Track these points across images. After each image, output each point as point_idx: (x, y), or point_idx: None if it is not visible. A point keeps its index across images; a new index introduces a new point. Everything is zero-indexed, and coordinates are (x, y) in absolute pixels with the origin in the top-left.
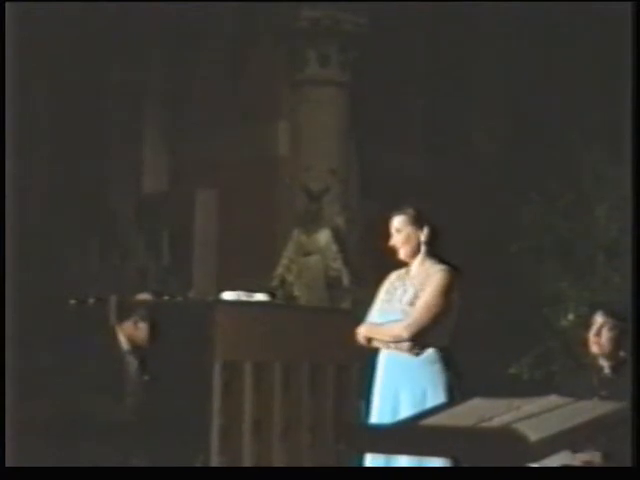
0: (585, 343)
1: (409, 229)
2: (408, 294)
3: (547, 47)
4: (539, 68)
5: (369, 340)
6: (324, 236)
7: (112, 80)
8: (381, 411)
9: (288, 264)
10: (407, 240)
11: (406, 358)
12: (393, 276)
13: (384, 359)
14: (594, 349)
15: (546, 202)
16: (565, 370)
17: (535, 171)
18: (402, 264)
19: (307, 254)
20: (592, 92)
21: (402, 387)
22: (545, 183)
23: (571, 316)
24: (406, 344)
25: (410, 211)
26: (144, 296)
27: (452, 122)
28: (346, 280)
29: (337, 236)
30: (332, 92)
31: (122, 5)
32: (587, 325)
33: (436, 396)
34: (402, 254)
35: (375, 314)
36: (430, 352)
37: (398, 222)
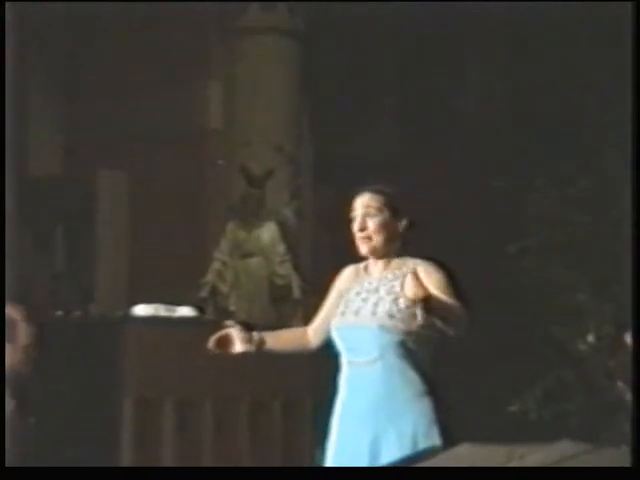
0: (610, 373)
1: (386, 214)
2: (385, 302)
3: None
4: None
5: (424, 302)
6: (268, 232)
7: None
8: (352, 455)
9: (221, 269)
10: (383, 227)
11: (386, 390)
12: (348, 274)
13: (352, 390)
14: (621, 381)
15: (556, 189)
16: (584, 408)
17: (542, 150)
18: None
19: (246, 255)
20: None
21: (383, 427)
22: (554, 165)
23: (591, 338)
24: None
25: (389, 191)
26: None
27: (435, 87)
28: (296, 289)
29: (285, 232)
30: (278, 44)
31: None
32: (612, 349)
33: (429, 440)
34: (370, 244)
35: (338, 329)
36: (417, 380)
37: (374, 201)
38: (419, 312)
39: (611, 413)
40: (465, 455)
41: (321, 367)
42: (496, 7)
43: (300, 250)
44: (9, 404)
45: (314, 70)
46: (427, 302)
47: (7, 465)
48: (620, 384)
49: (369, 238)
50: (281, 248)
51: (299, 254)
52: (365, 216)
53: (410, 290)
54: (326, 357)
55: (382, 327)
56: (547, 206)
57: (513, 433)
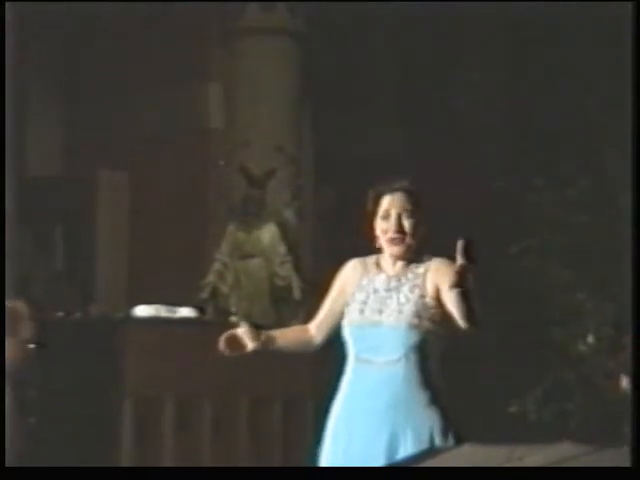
0: (611, 374)
1: (420, 215)
2: (410, 301)
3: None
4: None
5: (460, 277)
6: (268, 233)
7: None
8: (366, 454)
9: (221, 270)
10: (417, 229)
11: (406, 390)
12: (355, 269)
13: (366, 389)
14: (624, 382)
15: (555, 189)
16: (583, 409)
17: (542, 150)
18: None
19: (246, 257)
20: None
21: (401, 427)
22: (554, 165)
23: (591, 338)
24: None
25: (420, 191)
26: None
27: (435, 87)
28: (297, 290)
29: (285, 233)
30: (278, 45)
31: None
32: (613, 350)
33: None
34: (403, 246)
35: (357, 327)
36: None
37: (409, 203)
38: (454, 280)
39: (611, 414)
40: (465, 455)
41: (322, 367)
42: (496, 7)
43: (300, 251)
44: (9, 400)
45: (314, 70)
46: (461, 275)
47: (7, 465)
48: (623, 385)
49: (403, 240)
50: (282, 249)
51: (299, 255)
52: (401, 217)
53: (441, 276)
54: (327, 356)
55: (410, 326)
56: (547, 207)
57: (513, 434)
